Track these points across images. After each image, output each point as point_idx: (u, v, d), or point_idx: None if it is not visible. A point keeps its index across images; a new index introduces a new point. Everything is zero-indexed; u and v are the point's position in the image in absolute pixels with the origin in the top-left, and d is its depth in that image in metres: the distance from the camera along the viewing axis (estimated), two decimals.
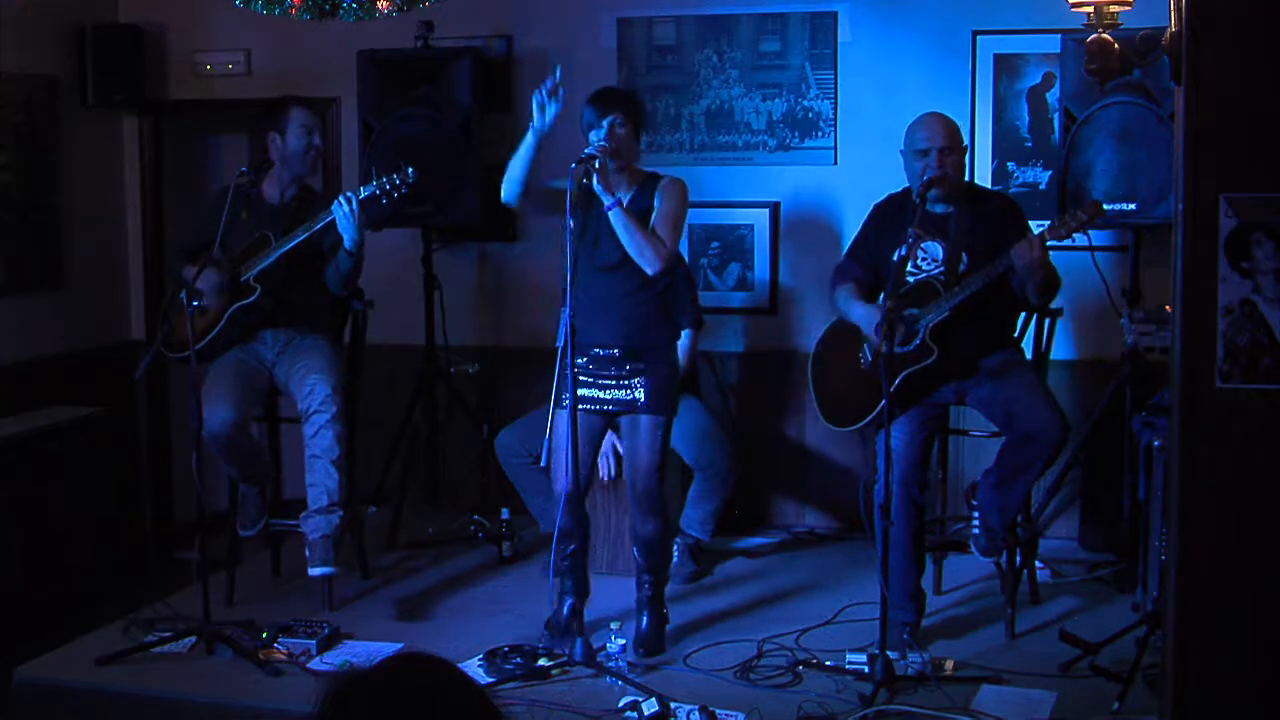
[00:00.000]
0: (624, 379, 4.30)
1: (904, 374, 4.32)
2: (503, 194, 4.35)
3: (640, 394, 4.30)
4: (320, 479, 4.73)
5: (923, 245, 4.46)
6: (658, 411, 4.31)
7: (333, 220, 4.64)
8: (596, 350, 4.30)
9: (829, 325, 4.78)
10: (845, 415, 4.58)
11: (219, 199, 4.78)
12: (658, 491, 4.36)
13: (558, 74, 4.17)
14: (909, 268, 4.46)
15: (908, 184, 4.56)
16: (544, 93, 4.15)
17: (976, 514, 4.55)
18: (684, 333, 5.22)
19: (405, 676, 1.73)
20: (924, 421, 4.44)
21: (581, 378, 4.29)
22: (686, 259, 5.58)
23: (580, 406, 4.25)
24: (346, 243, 4.67)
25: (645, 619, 4.45)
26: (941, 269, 4.44)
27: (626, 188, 4.32)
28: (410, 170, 4.68)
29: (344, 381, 4.80)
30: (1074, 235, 4.33)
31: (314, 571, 4.74)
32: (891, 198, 4.67)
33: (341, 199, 4.63)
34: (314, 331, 4.90)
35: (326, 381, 4.71)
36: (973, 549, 4.58)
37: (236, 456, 4.73)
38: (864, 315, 4.51)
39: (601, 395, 4.32)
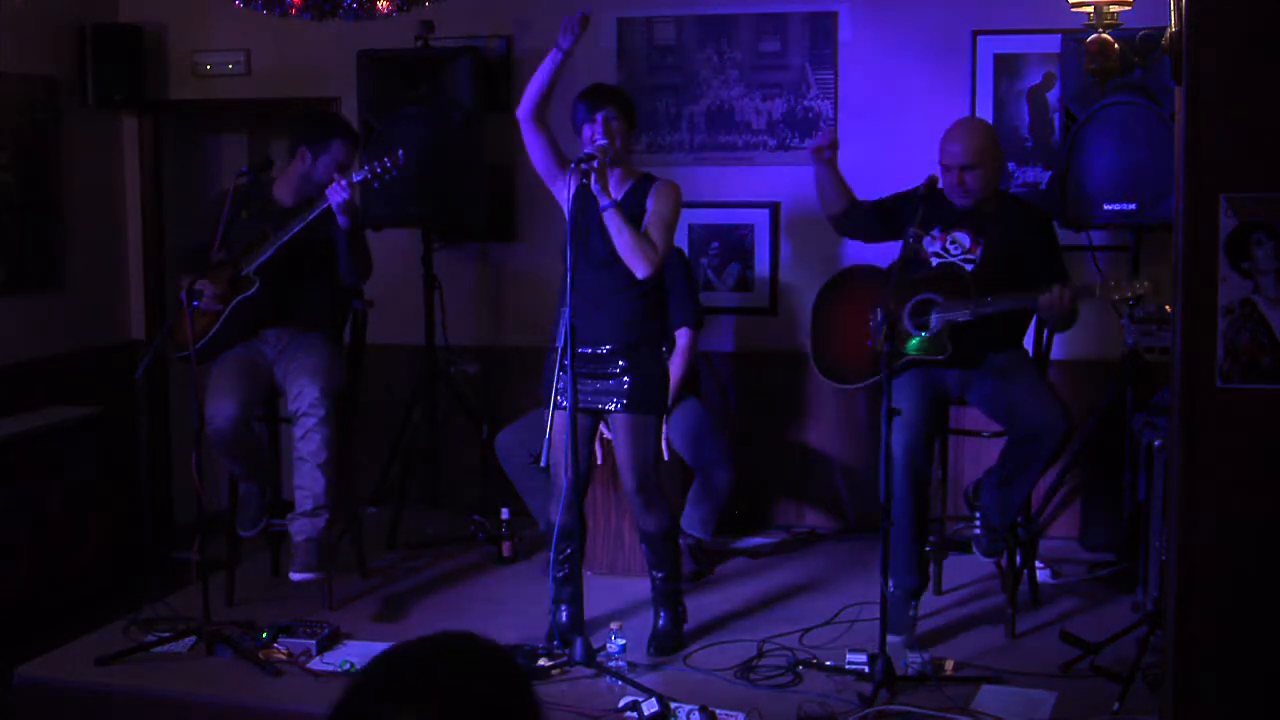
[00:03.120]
0: (610, 377, 4.30)
1: (913, 358, 4.36)
2: (518, 110, 4.35)
3: (626, 392, 4.30)
4: (306, 482, 4.72)
5: (953, 234, 4.51)
6: (645, 410, 4.31)
7: (328, 208, 4.64)
8: (584, 348, 4.30)
9: (838, 273, 4.80)
10: (843, 373, 4.61)
11: (219, 200, 4.79)
12: (651, 488, 4.35)
13: (588, 9, 4.30)
14: (936, 249, 4.51)
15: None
16: (574, 21, 4.22)
17: (978, 515, 4.55)
18: (683, 331, 5.23)
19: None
20: (928, 400, 4.44)
21: (569, 376, 4.30)
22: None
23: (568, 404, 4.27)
24: (341, 222, 4.67)
25: (661, 617, 4.45)
26: (970, 255, 4.47)
27: (619, 184, 4.32)
28: (400, 153, 4.66)
29: (336, 385, 4.78)
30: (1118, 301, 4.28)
31: (295, 576, 4.69)
32: (931, 183, 4.59)
33: (336, 186, 4.62)
34: (314, 330, 4.90)
35: (316, 384, 4.69)
36: (975, 550, 4.58)
37: (239, 453, 4.74)
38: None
39: (591, 393, 4.31)
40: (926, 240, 4.48)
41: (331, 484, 4.74)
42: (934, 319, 4.41)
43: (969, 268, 4.48)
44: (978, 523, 4.55)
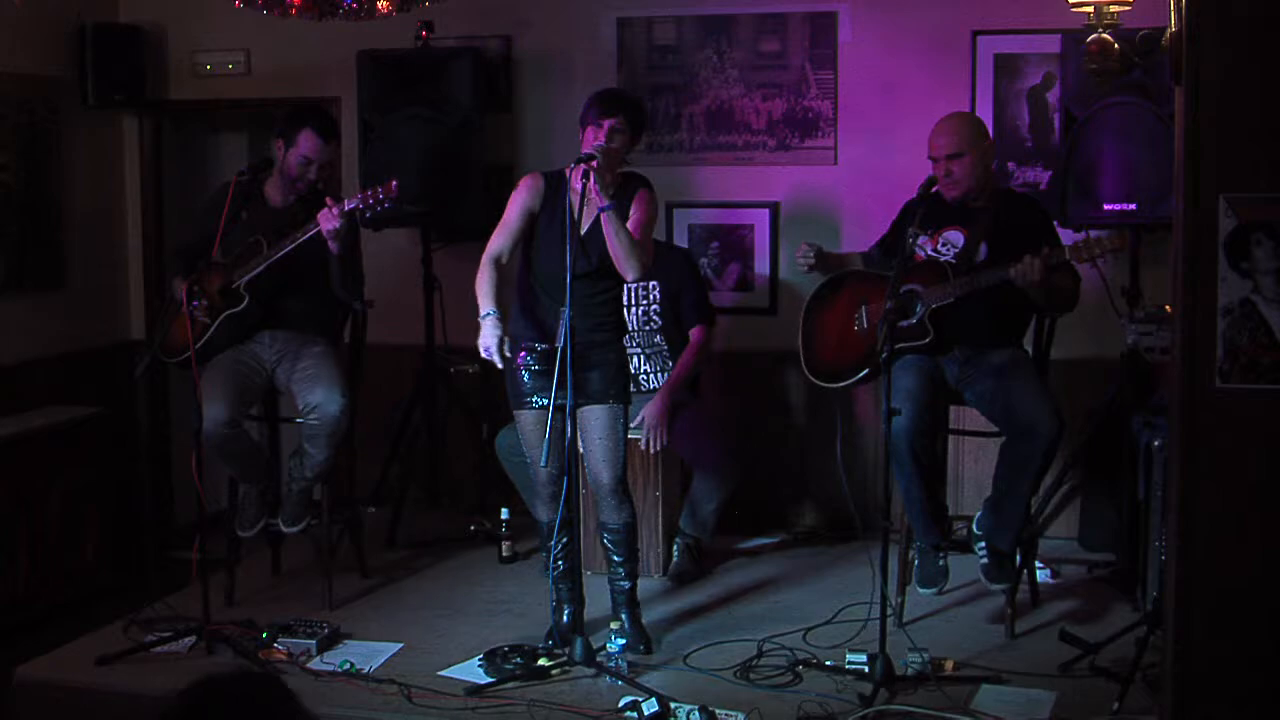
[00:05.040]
0: (584, 372, 4.28)
1: (897, 346, 4.36)
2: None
3: (592, 385, 4.29)
4: (306, 471, 4.78)
5: (945, 233, 4.50)
6: (611, 400, 4.32)
7: (319, 231, 4.62)
8: (545, 347, 4.30)
9: (826, 280, 4.80)
10: (830, 372, 4.63)
11: (218, 198, 4.78)
12: (624, 480, 4.37)
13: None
14: (930, 252, 4.53)
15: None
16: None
17: (983, 544, 4.50)
18: (697, 329, 5.25)
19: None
20: (928, 380, 4.45)
21: (530, 375, 4.34)
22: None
23: (537, 404, 4.31)
24: (331, 247, 4.66)
25: (626, 618, 4.42)
26: (957, 254, 4.48)
27: (605, 186, 4.31)
28: (394, 184, 4.62)
29: (350, 402, 4.77)
30: (1095, 260, 4.35)
31: (285, 529, 4.83)
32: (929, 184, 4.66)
33: (326, 213, 4.59)
34: (313, 334, 4.88)
35: (337, 399, 4.68)
36: (982, 579, 4.51)
37: (233, 455, 4.73)
38: None
39: (555, 390, 4.30)
40: (921, 241, 4.49)
41: (328, 469, 4.79)
42: (918, 308, 4.45)
43: (954, 262, 4.49)
44: (984, 554, 4.50)
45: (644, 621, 4.47)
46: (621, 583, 4.44)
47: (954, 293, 4.41)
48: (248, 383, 4.78)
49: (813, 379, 4.73)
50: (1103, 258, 4.36)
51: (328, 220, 4.58)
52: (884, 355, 4.03)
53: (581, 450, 4.40)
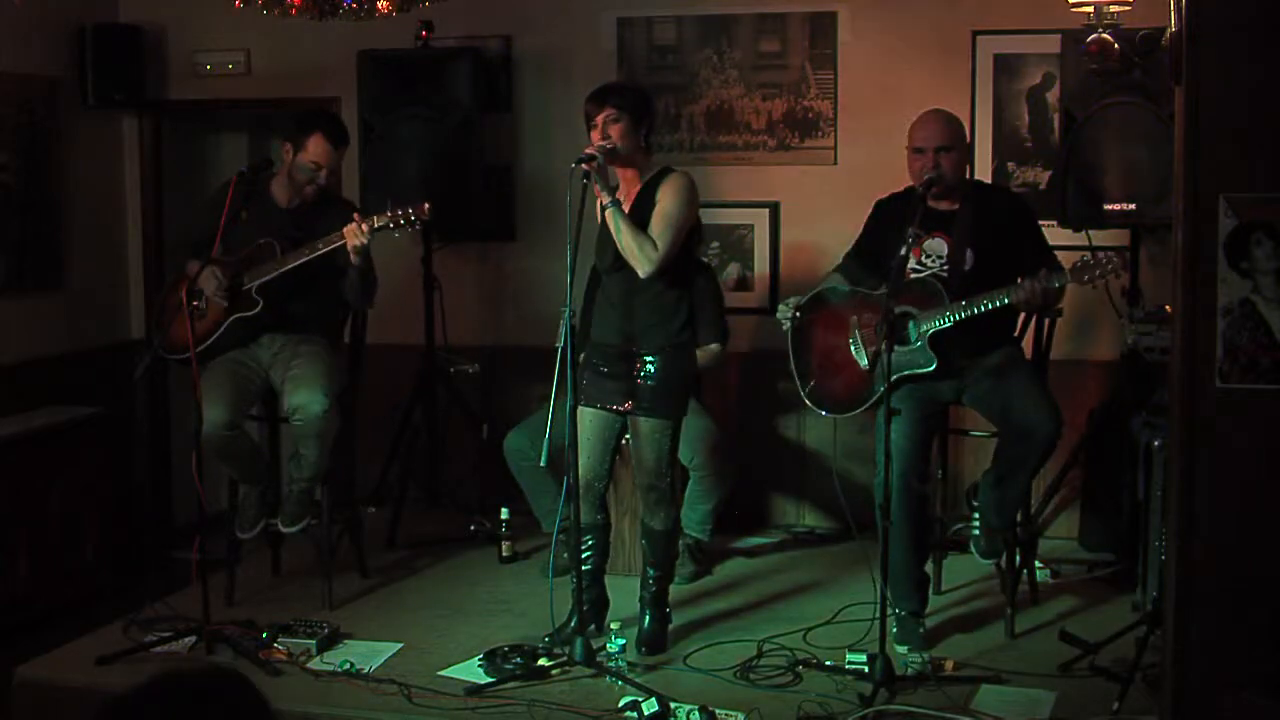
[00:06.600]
0: (628, 378, 4.30)
1: (900, 374, 4.32)
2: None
3: (643, 395, 4.29)
4: (305, 472, 4.77)
5: (926, 242, 4.45)
6: (660, 414, 4.29)
7: (343, 244, 4.62)
8: (605, 347, 4.31)
9: (811, 296, 4.68)
10: (837, 402, 4.57)
11: (219, 196, 4.77)
12: (662, 488, 4.35)
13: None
14: (913, 264, 4.45)
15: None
16: None
17: (976, 515, 4.54)
18: (712, 347, 5.20)
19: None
20: (925, 416, 4.42)
21: (590, 374, 4.33)
22: None
23: (591, 403, 4.30)
24: (352, 259, 4.66)
25: (648, 618, 4.45)
26: (946, 265, 4.43)
27: (632, 184, 4.30)
28: (425, 205, 4.61)
29: (338, 393, 4.75)
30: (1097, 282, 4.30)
31: (285, 529, 4.81)
32: (894, 195, 4.65)
33: (358, 228, 4.59)
34: (311, 335, 4.87)
35: (321, 398, 4.66)
36: (972, 550, 4.57)
37: (232, 458, 4.72)
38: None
39: (608, 392, 4.32)
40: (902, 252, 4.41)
41: (325, 466, 4.77)
42: (913, 333, 4.38)
43: (946, 275, 4.43)
44: (976, 524, 4.54)
45: (648, 626, 4.45)
46: (648, 585, 4.44)
47: (957, 315, 4.30)
48: (246, 385, 4.78)
49: (823, 411, 4.61)
50: (1105, 279, 4.28)
51: (355, 237, 4.58)
52: (883, 345, 4.00)
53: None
